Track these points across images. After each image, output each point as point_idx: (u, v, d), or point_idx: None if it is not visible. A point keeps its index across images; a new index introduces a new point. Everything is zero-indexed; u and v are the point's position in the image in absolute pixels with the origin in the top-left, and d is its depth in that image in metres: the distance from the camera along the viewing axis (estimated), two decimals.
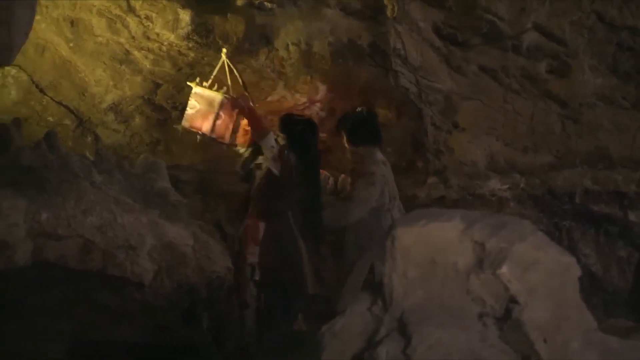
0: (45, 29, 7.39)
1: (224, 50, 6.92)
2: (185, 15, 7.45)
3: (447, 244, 3.14)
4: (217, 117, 6.73)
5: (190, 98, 6.86)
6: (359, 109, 7.27)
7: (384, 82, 8.29)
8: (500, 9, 8.87)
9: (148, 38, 7.55)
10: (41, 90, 7.60)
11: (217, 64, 6.88)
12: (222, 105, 6.72)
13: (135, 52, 7.62)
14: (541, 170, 8.76)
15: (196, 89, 6.83)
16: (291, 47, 7.80)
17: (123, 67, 7.65)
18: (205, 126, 6.78)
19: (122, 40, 7.48)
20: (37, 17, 6.99)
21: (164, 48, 7.61)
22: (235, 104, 6.68)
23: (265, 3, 7.68)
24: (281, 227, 6.55)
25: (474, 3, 8.77)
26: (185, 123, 6.89)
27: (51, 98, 7.55)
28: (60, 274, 4.63)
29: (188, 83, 6.88)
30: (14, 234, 4.31)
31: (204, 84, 6.83)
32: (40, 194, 4.56)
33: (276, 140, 6.62)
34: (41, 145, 4.92)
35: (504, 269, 3.02)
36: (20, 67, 7.47)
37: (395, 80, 8.30)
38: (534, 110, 9.02)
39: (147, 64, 7.69)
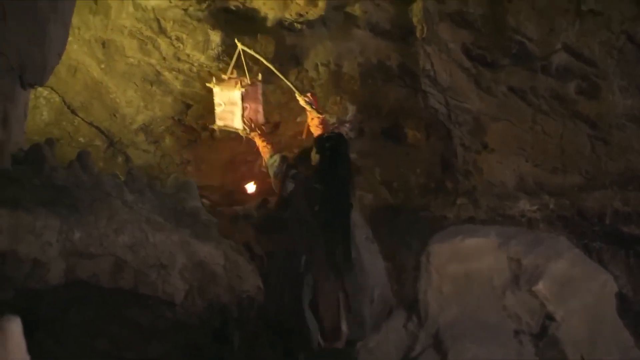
0: (77, 50, 7.45)
1: (237, 41, 6.96)
2: (215, 37, 7.52)
3: (482, 260, 3.13)
4: (243, 110, 6.87)
5: (214, 97, 6.99)
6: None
7: (413, 102, 8.31)
8: (530, 30, 8.87)
9: (179, 59, 7.61)
10: (73, 111, 7.65)
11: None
12: (244, 97, 6.84)
13: (166, 73, 7.68)
14: (571, 191, 8.71)
15: (215, 89, 6.95)
16: (320, 68, 7.83)
17: (154, 88, 7.71)
18: (237, 122, 6.95)
19: (153, 61, 7.54)
20: (69, 39, 7.05)
21: (195, 69, 7.67)
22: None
23: (295, 24, 7.74)
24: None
25: (503, 24, 8.77)
26: (219, 122, 7.06)
27: (82, 119, 7.60)
28: (92, 293, 4.63)
29: (207, 84, 6.95)
30: (48, 252, 4.33)
31: (223, 76, 6.95)
32: (73, 213, 4.57)
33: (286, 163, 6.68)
34: (74, 165, 4.94)
35: (540, 286, 3.01)
36: (52, 88, 7.53)
37: (424, 100, 8.31)
38: (563, 131, 8.99)
39: (177, 85, 7.74)
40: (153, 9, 7.42)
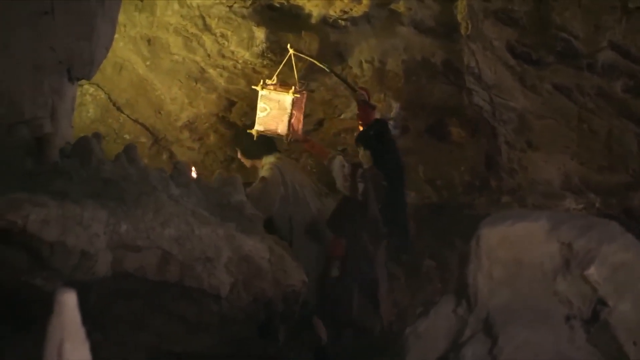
0: (123, 48, 7.51)
1: (290, 46, 6.97)
2: (260, 33, 7.54)
3: (533, 244, 3.11)
4: (291, 116, 6.82)
5: (258, 101, 6.90)
6: None
7: (458, 100, 8.26)
8: (575, 27, 8.79)
9: (223, 56, 7.64)
10: (118, 108, 7.71)
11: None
12: (294, 104, 6.79)
13: (211, 70, 7.70)
14: (617, 189, 8.60)
15: (262, 92, 6.87)
16: (365, 65, 7.81)
17: (198, 85, 7.74)
18: (281, 128, 6.87)
19: (198, 58, 7.57)
20: (115, 36, 7.10)
21: (239, 66, 7.69)
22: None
23: (339, 21, 7.73)
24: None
25: (548, 21, 8.70)
26: (259, 127, 6.94)
27: (128, 116, 7.65)
28: (139, 285, 4.65)
29: (253, 87, 6.93)
30: (95, 244, 4.35)
31: (268, 81, 6.92)
32: (120, 205, 4.59)
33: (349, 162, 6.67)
34: (121, 158, 4.96)
35: (592, 270, 2.98)
36: (98, 85, 7.58)
37: (468, 98, 8.25)
38: (610, 129, 8.89)
39: (222, 82, 7.77)
40: (198, 6, 7.47)
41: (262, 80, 6.92)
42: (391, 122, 7.97)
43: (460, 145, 8.32)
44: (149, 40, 7.52)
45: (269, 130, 6.90)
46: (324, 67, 6.97)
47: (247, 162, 7.33)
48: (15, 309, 4.29)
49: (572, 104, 8.89)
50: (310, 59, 6.90)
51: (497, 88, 8.48)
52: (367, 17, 7.85)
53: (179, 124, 7.79)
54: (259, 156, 7.19)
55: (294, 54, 6.87)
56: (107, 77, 7.59)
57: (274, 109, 6.84)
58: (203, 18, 7.49)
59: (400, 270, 7.75)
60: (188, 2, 7.45)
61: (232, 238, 5.00)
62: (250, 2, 7.53)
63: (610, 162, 8.71)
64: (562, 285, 3.06)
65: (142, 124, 7.88)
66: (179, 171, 5.30)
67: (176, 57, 7.58)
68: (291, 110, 6.79)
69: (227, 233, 5.00)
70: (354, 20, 7.78)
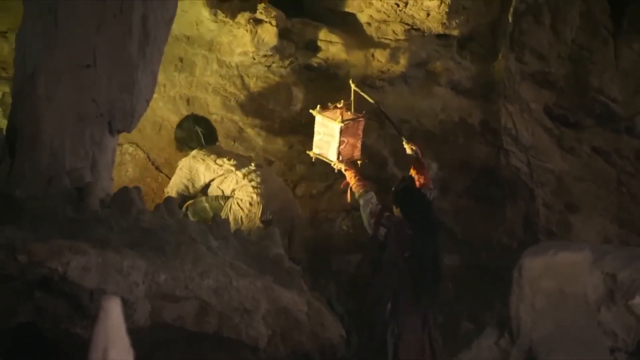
0: (162, 107, 7.56)
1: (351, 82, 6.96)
2: (298, 92, 7.62)
3: (576, 275, 3.08)
4: (340, 143, 6.79)
5: (315, 125, 6.92)
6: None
7: (495, 160, 8.24)
8: (614, 91, 8.82)
9: (261, 115, 7.67)
10: (157, 168, 7.72)
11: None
12: (341, 132, 6.76)
13: (248, 130, 7.73)
14: None
15: (317, 117, 6.89)
16: (402, 124, 7.81)
17: (236, 144, 7.75)
18: (332, 155, 6.85)
19: (236, 117, 7.62)
20: (155, 96, 7.15)
21: (276, 126, 7.72)
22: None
23: (377, 81, 7.76)
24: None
25: (586, 85, 8.74)
26: (315, 150, 6.93)
27: (166, 175, 7.66)
28: (177, 335, 4.64)
29: (310, 111, 6.96)
30: (135, 292, 4.35)
31: (330, 104, 6.89)
32: (159, 255, 4.59)
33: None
34: (160, 208, 4.99)
35: (637, 300, 2.93)
36: (137, 144, 7.62)
37: (506, 159, 8.24)
38: None
39: (259, 142, 7.78)
40: (237, 66, 7.56)
41: (318, 105, 6.92)
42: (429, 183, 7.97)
43: (498, 207, 8.27)
44: (187, 100, 7.57)
45: (322, 155, 6.91)
46: (383, 112, 7.02)
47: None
48: (55, 358, 4.28)
49: (610, 167, 8.88)
50: (370, 99, 6.91)
51: (535, 150, 8.48)
52: (404, 77, 7.90)
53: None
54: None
55: (354, 89, 6.90)
56: (147, 136, 7.64)
57: (326, 135, 6.85)
58: (242, 77, 7.57)
59: (437, 332, 7.67)
60: (227, 62, 7.54)
61: (270, 290, 4.99)
62: (288, 62, 7.61)
63: None
64: (606, 316, 3.02)
65: None
66: (217, 224, 5.31)
67: (214, 116, 7.61)
68: (339, 137, 6.78)
69: (265, 285, 4.99)
70: (391, 81, 7.84)
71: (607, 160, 8.99)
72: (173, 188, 7.00)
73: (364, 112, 6.84)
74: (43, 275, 4.14)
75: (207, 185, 7.02)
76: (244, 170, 6.96)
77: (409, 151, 6.78)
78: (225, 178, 6.96)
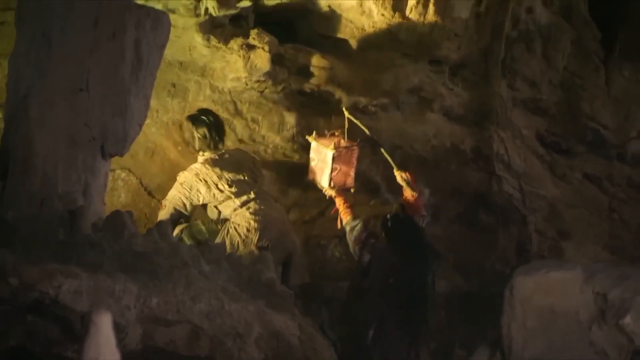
0: (155, 133, 7.56)
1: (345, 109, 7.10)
2: (290, 118, 7.62)
3: (568, 294, 3.10)
4: (332, 170, 6.89)
5: (310, 151, 7.06)
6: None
7: (487, 187, 8.26)
8: (605, 117, 8.88)
9: (254, 140, 7.68)
10: (149, 193, 7.71)
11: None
12: (334, 159, 6.86)
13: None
14: None
15: (313, 143, 7.01)
16: (395, 150, 7.83)
17: None
18: (324, 181, 6.98)
19: (229, 142, 7.61)
20: (148, 121, 7.14)
21: (269, 150, 7.72)
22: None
23: (370, 107, 7.79)
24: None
25: (577, 111, 8.80)
26: (310, 175, 7.10)
27: (159, 201, 7.65)
28: (169, 359, 4.61)
29: (307, 137, 7.06)
30: (126, 316, 4.32)
31: (326, 131, 7.10)
32: (151, 279, 4.57)
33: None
34: (152, 232, 4.97)
35: (628, 319, 2.94)
36: (130, 170, 7.61)
37: (498, 185, 8.27)
38: None
39: None
40: (229, 91, 7.56)
41: (314, 132, 7.06)
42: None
43: (491, 233, 8.28)
44: (180, 126, 7.56)
45: (315, 181, 7.07)
46: (376, 140, 7.10)
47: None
48: None
49: (602, 194, 8.91)
50: (363, 127, 6.98)
51: (527, 176, 8.51)
52: (396, 103, 7.92)
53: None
54: None
55: (347, 117, 6.97)
56: (139, 162, 7.63)
57: (320, 161, 6.98)
58: (234, 103, 7.58)
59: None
60: (220, 87, 7.55)
61: (263, 314, 4.97)
62: (281, 88, 7.63)
63: None
64: (597, 335, 3.04)
65: None
66: (210, 248, 5.30)
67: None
68: (332, 164, 6.86)
69: (258, 309, 4.96)
70: (384, 106, 7.87)
71: (599, 187, 9.03)
72: (171, 202, 7.00)
73: (358, 140, 6.89)
74: (34, 299, 4.12)
75: (205, 205, 7.04)
76: (243, 198, 6.98)
77: (399, 180, 6.80)
78: (223, 202, 6.99)
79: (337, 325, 6.87)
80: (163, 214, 7.05)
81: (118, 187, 7.63)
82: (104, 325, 2.33)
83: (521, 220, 8.40)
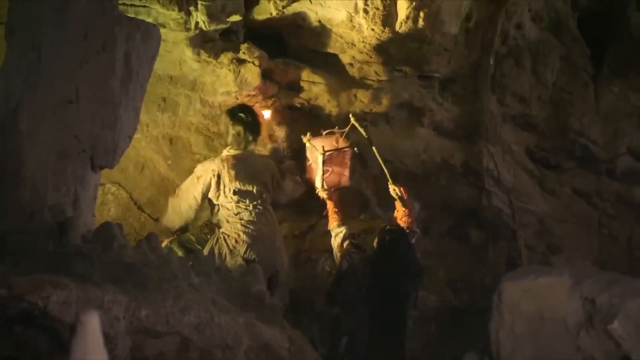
0: (145, 147, 7.57)
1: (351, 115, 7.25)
2: (280, 132, 7.66)
3: (556, 299, 3.10)
4: (324, 172, 7.09)
5: (306, 151, 7.28)
6: None
7: (477, 201, 8.28)
8: (594, 133, 8.91)
9: None
10: (139, 208, 7.71)
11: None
12: (324, 162, 7.04)
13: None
14: None
15: (307, 145, 7.23)
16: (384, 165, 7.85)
17: None
18: (317, 181, 7.19)
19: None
20: (138, 136, 7.18)
21: None
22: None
23: (359, 121, 7.78)
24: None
25: (566, 127, 8.82)
26: (307, 174, 7.34)
27: (149, 215, 7.66)
28: None
29: (301, 137, 7.23)
30: (115, 327, 4.31)
31: (322, 131, 7.33)
32: (141, 291, 4.57)
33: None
34: (142, 244, 4.97)
35: (616, 325, 2.95)
36: (120, 184, 7.61)
37: (488, 200, 8.28)
38: (630, 235, 8.91)
39: None
40: (220, 106, 7.58)
41: (308, 133, 7.25)
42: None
43: (481, 248, 8.29)
44: (170, 140, 7.59)
45: (311, 180, 7.30)
46: (374, 151, 7.13)
47: None
48: None
49: (592, 209, 8.93)
50: (366, 136, 7.16)
51: (517, 191, 8.53)
52: (386, 117, 7.96)
53: (199, 223, 7.78)
54: None
55: (353, 123, 7.17)
56: (129, 176, 7.64)
57: (313, 162, 7.21)
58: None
59: None
60: (210, 101, 7.57)
61: (252, 326, 4.96)
62: (271, 102, 7.64)
63: (631, 267, 8.68)
64: (585, 341, 3.04)
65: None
66: (199, 260, 5.29)
67: (197, 156, 7.63)
68: (322, 166, 7.03)
69: (247, 321, 4.95)
70: (373, 121, 7.88)
71: (588, 202, 9.05)
72: (184, 192, 7.25)
73: (350, 142, 6.95)
74: (23, 310, 4.10)
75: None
76: (240, 207, 7.09)
77: (392, 193, 6.85)
78: (223, 205, 7.16)
79: (328, 340, 6.90)
80: (175, 203, 7.25)
81: (108, 201, 7.64)
82: (91, 325, 2.33)
83: (511, 235, 8.42)
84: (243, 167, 7.18)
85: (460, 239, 8.31)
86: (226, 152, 7.26)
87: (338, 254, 6.81)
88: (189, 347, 4.65)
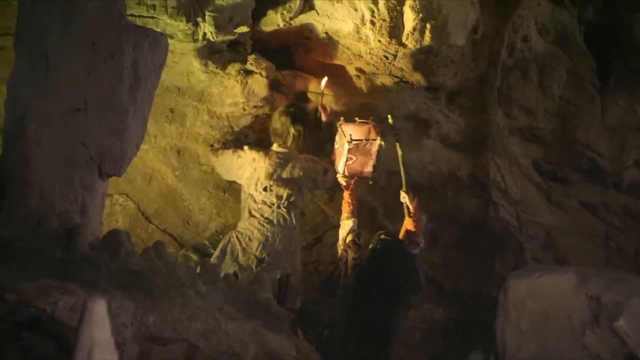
0: (152, 158, 7.59)
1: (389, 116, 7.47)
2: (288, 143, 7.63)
3: (561, 298, 3.10)
4: (347, 159, 7.19)
5: (337, 134, 7.36)
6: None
7: (484, 213, 8.27)
8: (601, 146, 8.89)
9: None
10: (147, 218, 7.72)
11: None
12: (349, 151, 7.14)
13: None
14: None
15: (339, 129, 7.31)
16: (391, 177, 7.85)
17: (226, 195, 7.78)
18: (340, 167, 7.29)
19: None
20: (145, 147, 7.23)
21: None
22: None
23: None
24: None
25: (573, 140, 8.81)
26: (333, 157, 7.42)
27: (156, 226, 7.67)
28: None
29: (337, 124, 7.33)
30: (123, 334, 4.31)
31: (356, 118, 7.42)
32: (148, 297, 4.57)
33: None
34: (149, 252, 4.98)
35: (621, 322, 2.94)
36: (127, 195, 7.63)
37: (495, 212, 8.27)
38: (637, 248, 8.89)
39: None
40: (227, 117, 7.60)
41: (342, 118, 7.39)
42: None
43: (487, 260, 8.27)
44: (178, 151, 7.60)
45: (335, 162, 7.39)
46: (400, 156, 7.33)
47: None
48: None
49: (598, 222, 8.91)
50: (396, 139, 7.39)
51: (524, 203, 8.52)
52: (393, 129, 7.95)
53: (207, 234, 7.79)
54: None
55: (390, 124, 7.42)
56: (137, 187, 7.65)
57: (340, 147, 7.29)
58: (232, 128, 7.61)
59: None
60: (217, 112, 7.58)
61: (259, 334, 4.96)
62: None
63: None
64: (591, 338, 3.04)
65: (170, 234, 7.86)
66: (206, 269, 5.31)
67: (205, 167, 7.65)
68: (347, 154, 7.12)
69: (254, 329, 4.96)
70: (380, 132, 7.86)
71: (595, 215, 9.03)
72: (225, 158, 7.47)
73: (378, 135, 6.99)
74: (31, 315, 4.10)
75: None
76: (265, 204, 7.24)
77: (402, 199, 6.88)
78: (249, 195, 7.29)
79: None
80: (214, 160, 7.54)
81: (116, 212, 7.65)
82: (98, 313, 2.33)
83: (518, 247, 8.41)
84: (283, 168, 7.31)
85: (466, 250, 8.30)
86: (277, 147, 7.40)
87: (341, 246, 6.85)
88: (196, 354, 4.65)
